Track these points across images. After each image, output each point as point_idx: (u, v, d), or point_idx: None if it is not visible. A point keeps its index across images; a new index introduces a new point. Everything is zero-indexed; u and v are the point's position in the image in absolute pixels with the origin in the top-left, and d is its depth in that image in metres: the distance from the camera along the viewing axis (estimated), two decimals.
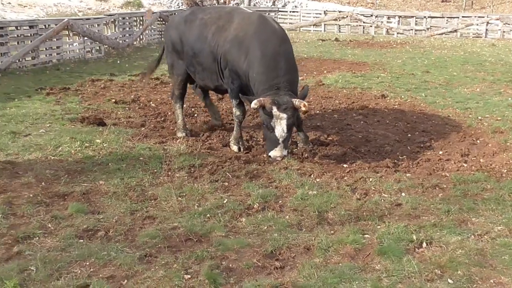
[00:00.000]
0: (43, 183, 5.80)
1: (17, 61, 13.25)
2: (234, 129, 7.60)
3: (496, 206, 5.46)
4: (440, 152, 7.55)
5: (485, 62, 17.47)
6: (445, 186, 6.06)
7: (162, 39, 22.24)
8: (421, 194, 5.79)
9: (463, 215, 5.25)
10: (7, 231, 4.66)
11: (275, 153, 6.49)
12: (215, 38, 7.40)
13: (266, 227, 4.95)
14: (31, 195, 5.44)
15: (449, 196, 5.72)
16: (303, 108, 6.37)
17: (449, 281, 4.02)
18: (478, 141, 8.06)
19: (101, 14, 21.03)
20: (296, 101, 6.38)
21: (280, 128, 6.40)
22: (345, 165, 6.82)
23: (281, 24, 8.28)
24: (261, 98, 6.38)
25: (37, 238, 4.58)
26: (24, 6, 30.52)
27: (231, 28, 7.31)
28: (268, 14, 25.78)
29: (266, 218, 5.11)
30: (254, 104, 6.34)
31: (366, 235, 4.79)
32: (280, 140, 6.45)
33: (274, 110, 6.35)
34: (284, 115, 6.35)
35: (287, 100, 6.37)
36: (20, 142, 7.15)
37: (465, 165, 6.89)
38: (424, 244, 4.60)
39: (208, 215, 5.16)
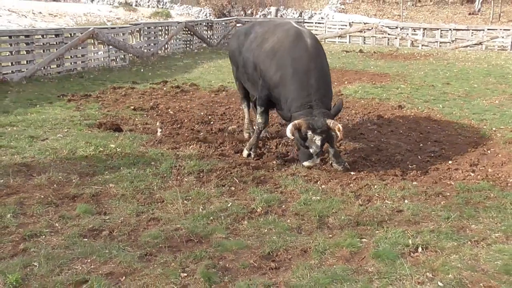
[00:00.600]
0: (55, 185, 6.01)
1: (42, 68, 13.64)
2: (253, 136, 7.79)
3: (496, 214, 5.49)
4: (450, 162, 7.59)
5: (508, 75, 17.31)
6: (448, 194, 6.10)
7: (187, 48, 22.67)
8: (424, 202, 5.84)
9: (463, 222, 5.30)
10: (15, 229, 4.86)
11: (308, 164, 6.72)
12: (258, 49, 7.67)
13: (266, 230, 5.07)
14: (42, 196, 5.65)
15: (451, 204, 5.76)
16: (338, 132, 6.45)
17: (439, 283, 4.08)
18: (489, 152, 8.06)
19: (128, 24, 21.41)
20: (331, 123, 6.49)
21: (315, 146, 6.56)
22: (352, 173, 6.91)
23: None
24: (296, 122, 6.46)
25: (44, 236, 4.76)
26: (55, 16, 31.37)
27: (271, 40, 7.50)
28: None
29: (268, 221, 5.23)
30: (289, 132, 6.43)
31: (364, 239, 4.87)
32: (314, 154, 6.64)
33: (309, 133, 6.49)
34: (319, 137, 6.51)
35: (321, 124, 6.46)
36: (37, 146, 7.39)
37: (472, 174, 6.93)
38: (420, 249, 4.67)
39: (212, 217, 5.30)
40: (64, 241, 4.67)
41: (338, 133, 6.47)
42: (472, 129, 9.57)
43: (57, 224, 5.03)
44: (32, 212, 5.27)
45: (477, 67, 19.39)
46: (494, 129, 9.50)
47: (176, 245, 4.71)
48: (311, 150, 6.60)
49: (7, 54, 13.00)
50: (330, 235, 4.97)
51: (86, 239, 4.74)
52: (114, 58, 16.91)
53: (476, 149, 8.24)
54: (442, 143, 8.62)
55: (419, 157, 7.86)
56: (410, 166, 7.41)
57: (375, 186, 6.29)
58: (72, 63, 15.00)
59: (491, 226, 5.22)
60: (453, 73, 17.74)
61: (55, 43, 14.21)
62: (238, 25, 29.05)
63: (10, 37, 12.96)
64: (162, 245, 4.67)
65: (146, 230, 4.99)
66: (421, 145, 8.54)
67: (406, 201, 5.86)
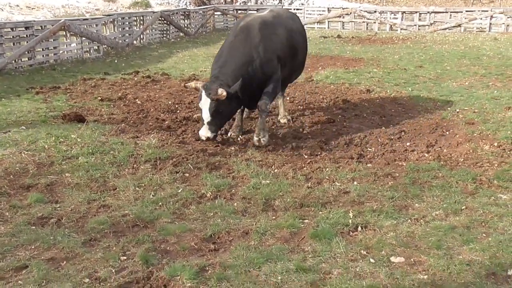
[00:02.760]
0: (11, 176, 6.08)
1: (13, 62, 13.60)
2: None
3: (440, 193, 5.64)
4: (408, 144, 7.73)
5: (482, 56, 17.46)
6: (397, 174, 6.24)
7: (164, 38, 22.61)
8: (372, 183, 5.98)
9: (406, 201, 5.45)
10: None
11: (200, 131, 7.44)
12: None
13: (212, 213, 5.19)
14: None
15: (398, 184, 5.91)
16: (220, 96, 7.08)
17: (371, 260, 4.22)
18: (448, 133, 8.20)
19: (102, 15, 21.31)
20: (219, 90, 7.08)
21: (205, 110, 7.22)
22: (308, 157, 7.02)
23: None
24: (197, 84, 7.59)
25: None
26: (32, 9, 31.12)
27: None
28: None
29: (214, 206, 5.35)
30: (189, 85, 7.81)
31: (306, 220, 5.00)
32: (205, 121, 7.26)
33: (202, 93, 7.24)
34: (208, 100, 7.14)
35: (213, 88, 7.16)
36: None
37: (427, 155, 7.07)
38: (359, 228, 4.80)
39: (160, 203, 5.40)
40: (12, 229, 4.76)
41: (220, 96, 7.09)
42: (436, 111, 9.71)
43: (7, 213, 5.12)
44: None
45: (453, 50, 19.52)
46: (457, 110, 9.65)
47: (122, 230, 4.82)
48: (202, 115, 7.35)
49: None
50: (274, 217, 5.10)
51: (34, 227, 4.84)
52: (88, 49, 16.87)
53: (436, 131, 8.39)
54: (404, 125, 8.77)
55: (378, 139, 7.99)
56: (369, 149, 7.54)
57: (327, 169, 6.41)
58: (44, 56, 14.95)
59: (433, 204, 5.38)
60: (428, 56, 17.85)
61: (25, 35, 14.16)
62: (216, 13, 29.01)
63: None
64: (107, 231, 4.78)
65: (95, 217, 5.09)
66: (383, 128, 8.66)
67: (355, 182, 6.00)
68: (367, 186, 5.86)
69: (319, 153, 7.28)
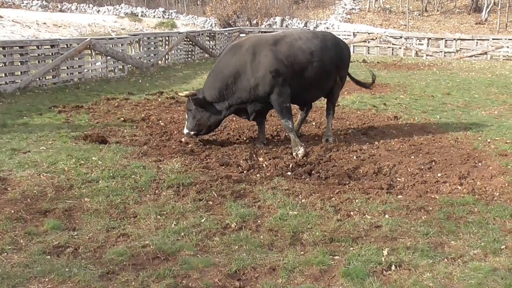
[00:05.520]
0: (28, 200, 5.89)
1: (37, 79, 13.58)
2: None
3: (477, 230, 5.31)
4: (439, 174, 7.41)
5: (510, 85, 17.09)
6: (431, 208, 5.93)
7: (189, 59, 22.59)
8: (404, 217, 5.67)
9: (442, 238, 5.13)
10: None
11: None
12: None
13: (237, 246, 4.91)
14: (12, 211, 5.52)
15: (432, 219, 5.59)
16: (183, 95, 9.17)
17: None
18: (480, 164, 7.86)
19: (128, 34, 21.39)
20: (185, 92, 9.07)
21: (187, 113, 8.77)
22: (336, 186, 6.74)
23: None
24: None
25: (5, 253, 4.62)
26: (59, 26, 31.56)
27: None
28: None
29: (239, 238, 5.07)
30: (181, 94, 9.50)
31: (336, 257, 4.71)
32: (186, 122, 8.80)
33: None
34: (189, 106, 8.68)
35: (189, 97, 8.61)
36: (17, 159, 7.28)
37: (460, 187, 6.74)
38: (393, 267, 4.49)
39: (183, 233, 5.15)
40: (25, 259, 4.53)
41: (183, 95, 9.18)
42: (466, 141, 9.38)
43: (21, 241, 4.90)
44: None
45: (480, 77, 19.18)
46: (489, 140, 9.32)
47: (141, 262, 4.57)
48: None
49: (1, 65, 12.94)
50: (302, 252, 4.80)
51: (49, 257, 4.61)
52: (112, 68, 16.86)
53: (468, 162, 8.05)
54: (434, 155, 8.43)
55: (408, 169, 7.67)
56: (398, 179, 7.24)
57: (357, 200, 6.12)
58: (69, 74, 14.94)
59: (471, 242, 5.05)
60: (455, 83, 17.54)
61: (50, 54, 14.16)
62: (242, 35, 29.00)
63: (3, 48, 12.91)
64: (126, 263, 4.53)
65: (113, 247, 4.85)
66: (412, 157, 8.35)
67: (386, 216, 5.69)
68: (399, 220, 5.55)
69: (347, 182, 7.00)
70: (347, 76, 9.87)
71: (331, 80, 9.14)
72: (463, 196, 6.35)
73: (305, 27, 35.15)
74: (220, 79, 8.43)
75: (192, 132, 8.71)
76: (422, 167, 7.75)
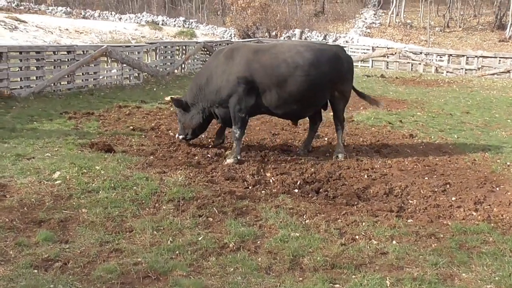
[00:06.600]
0: (25, 208, 5.73)
1: (52, 84, 13.55)
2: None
3: (492, 262, 4.99)
4: (453, 198, 7.10)
5: None
6: (442, 235, 5.62)
7: None
8: (413, 243, 5.37)
9: (452, 269, 4.82)
10: None
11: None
12: None
13: (232, 269, 4.67)
14: (7, 220, 5.36)
15: (443, 247, 5.28)
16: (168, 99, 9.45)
17: None
18: (498, 189, 7.55)
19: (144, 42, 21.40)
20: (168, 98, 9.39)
21: None
22: (343, 207, 6.47)
23: None
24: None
25: None
26: (81, 33, 31.74)
27: None
28: None
29: (236, 259, 4.83)
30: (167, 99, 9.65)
31: (337, 285, 4.44)
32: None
33: None
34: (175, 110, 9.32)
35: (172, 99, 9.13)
36: (20, 165, 7.15)
37: (475, 214, 6.42)
38: None
39: (177, 251, 4.93)
40: (11, 272, 4.35)
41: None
42: (484, 163, 9.05)
43: (11, 252, 4.73)
44: None
45: (502, 96, 18.76)
46: (508, 163, 8.98)
47: (131, 281, 4.36)
48: None
49: (17, 70, 12.94)
50: (301, 278, 4.55)
51: (35, 271, 4.42)
52: (128, 76, 16.80)
53: (485, 186, 7.73)
54: (449, 177, 8.12)
55: (421, 191, 7.37)
56: (410, 201, 6.95)
57: (364, 223, 5.84)
58: (83, 80, 14.90)
59: (484, 275, 4.74)
60: (475, 101, 17.16)
61: (66, 59, 14.13)
62: None
63: (20, 52, 12.90)
64: (115, 281, 4.32)
65: (104, 263, 4.64)
66: (426, 178, 8.05)
67: (393, 241, 5.41)
68: (408, 247, 5.26)
69: (356, 203, 6.73)
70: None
71: (324, 95, 8.83)
72: (477, 223, 6.03)
73: (323, 40, 34.94)
74: (197, 81, 8.85)
75: (181, 136, 9.03)
76: (436, 190, 7.44)
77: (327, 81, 8.64)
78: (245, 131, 8.77)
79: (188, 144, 9.19)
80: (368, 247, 5.24)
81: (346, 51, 9.67)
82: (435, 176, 8.20)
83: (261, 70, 8.28)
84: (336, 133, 9.39)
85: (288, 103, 8.50)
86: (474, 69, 26.24)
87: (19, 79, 12.96)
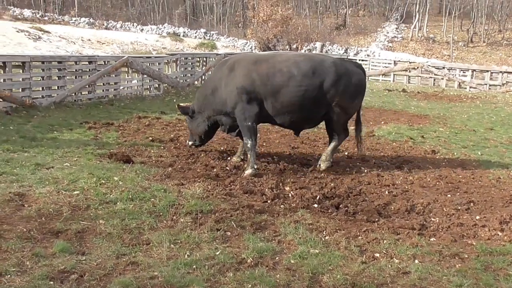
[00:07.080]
0: (42, 218, 5.70)
1: (73, 94, 13.66)
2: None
3: None
4: (478, 217, 6.90)
5: None
6: (466, 256, 5.44)
7: None
8: (436, 263, 5.21)
9: None
10: None
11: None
12: None
13: (250, 285, 4.56)
14: (24, 230, 5.33)
15: (467, 268, 5.11)
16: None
17: None
18: None
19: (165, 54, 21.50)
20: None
21: None
22: (364, 223, 6.33)
23: None
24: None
25: (9, 276, 4.40)
26: (103, 43, 32.04)
27: None
28: None
29: (254, 275, 4.71)
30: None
31: None
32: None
33: None
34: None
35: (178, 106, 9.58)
36: (39, 174, 7.15)
37: (500, 234, 6.23)
38: None
39: (194, 266, 4.83)
40: (27, 283, 4.29)
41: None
42: (509, 181, 8.83)
43: (28, 263, 4.67)
44: (6, 247, 4.93)
45: None
46: None
47: None
48: None
49: (39, 79, 13.05)
50: None
51: (51, 282, 4.36)
52: (148, 87, 16.86)
53: (510, 204, 7.52)
54: (473, 195, 7.92)
55: (444, 209, 7.19)
56: (432, 219, 6.78)
57: (385, 241, 5.69)
58: (104, 91, 15.00)
59: None
60: (499, 117, 16.91)
61: (88, 70, 14.23)
62: None
63: (42, 62, 13.03)
64: None
65: (120, 276, 4.57)
66: (449, 195, 7.86)
67: (416, 261, 5.25)
68: (430, 267, 5.10)
69: (376, 219, 6.58)
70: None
71: (320, 108, 8.61)
72: (504, 244, 5.84)
73: (344, 54, 34.84)
74: (203, 91, 9.23)
75: (190, 142, 9.42)
76: (459, 208, 7.26)
77: (322, 94, 8.46)
78: (258, 140, 8.90)
79: (207, 156, 9.14)
80: (389, 266, 5.09)
81: (360, 65, 9.37)
82: (458, 193, 8.02)
83: (258, 79, 8.37)
84: (331, 142, 9.10)
85: (283, 113, 8.51)
86: (499, 85, 25.92)
87: (41, 89, 13.10)
